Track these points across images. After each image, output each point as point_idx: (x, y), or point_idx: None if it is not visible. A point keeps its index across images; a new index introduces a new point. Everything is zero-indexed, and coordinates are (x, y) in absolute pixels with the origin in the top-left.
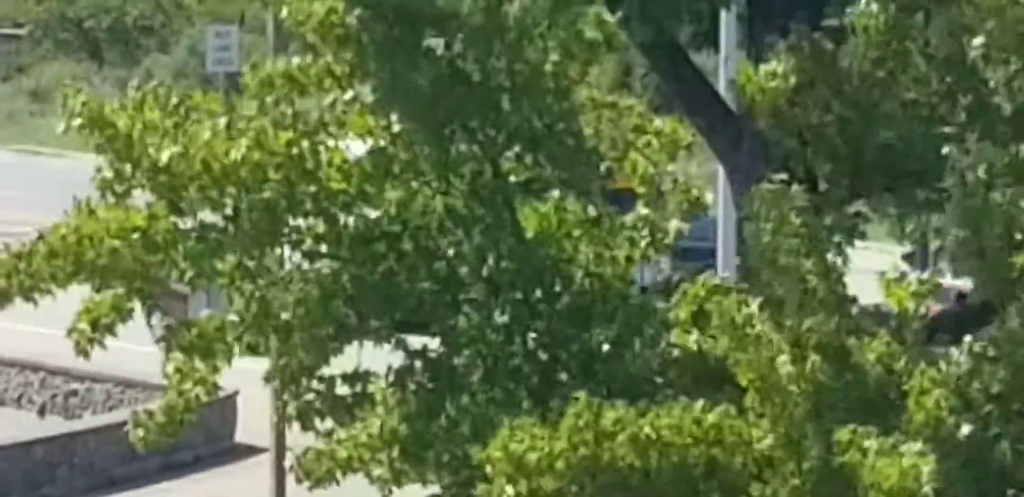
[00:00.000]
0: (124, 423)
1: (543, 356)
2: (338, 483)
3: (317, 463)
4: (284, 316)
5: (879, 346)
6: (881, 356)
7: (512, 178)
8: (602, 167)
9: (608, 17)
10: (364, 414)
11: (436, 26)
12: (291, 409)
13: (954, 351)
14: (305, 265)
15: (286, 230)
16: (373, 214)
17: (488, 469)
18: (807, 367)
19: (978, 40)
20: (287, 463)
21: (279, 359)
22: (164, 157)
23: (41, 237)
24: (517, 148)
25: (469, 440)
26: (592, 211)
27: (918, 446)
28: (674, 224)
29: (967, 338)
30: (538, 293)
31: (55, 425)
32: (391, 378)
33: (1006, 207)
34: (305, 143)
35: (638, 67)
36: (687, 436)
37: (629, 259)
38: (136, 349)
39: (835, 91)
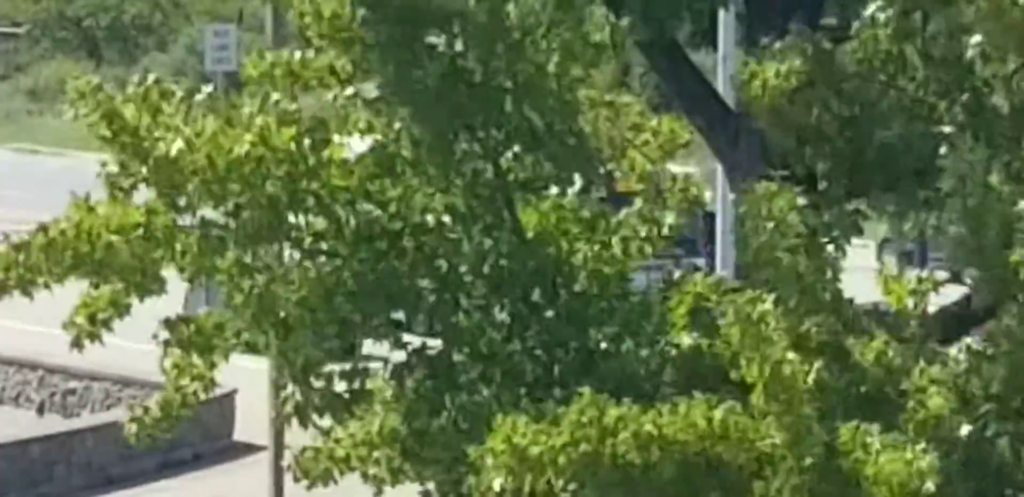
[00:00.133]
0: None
1: (542, 355)
2: (336, 482)
3: (315, 462)
4: (283, 313)
5: (878, 345)
6: (880, 355)
7: (512, 177)
8: (602, 168)
9: (613, 20)
10: (362, 411)
11: (439, 25)
12: (289, 406)
13: (952, 349)
14: (306, 263)
15: (286, 227)
16: (374, 212)
17: (489, 461)
18: (812, 367)
19: (975, 39)
20: (285, 462)
21: (278, 356)
22: (174, 150)
23: (41, 230)
24: (518, 147)
25: (466, 438)
26: (590, 210)
27: (920, 444)
28: (670, 219)
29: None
30: (538, 292)
31: (53, 423)
32: (390, 376)
33: (1004, 206)
34: (307, 140)
35: (637, 66)
36: (692, 432)
37: (627, 256)
38: (134, 347)
39: (834, 90)
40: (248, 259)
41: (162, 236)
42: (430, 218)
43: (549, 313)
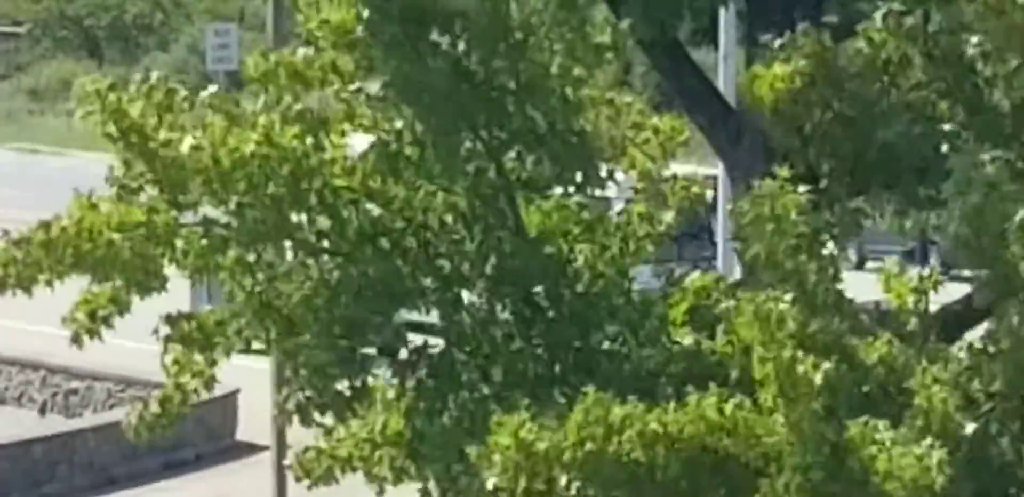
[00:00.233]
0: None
1: (544, 354)
2: (337, 482)
3: (317, 462)
4: (285, 311)
5: (882, 345)
6: (884, 355)
7: (515, 176)
8: (603, 167)
9: (614, 21)
10: (363, 410)
11: (442, 25)
12: (290, 404)
13: (954, 348)
14: (308, 261)
15: (289, 226)
16: (377, 211)
17: (496, 457)
18: (821, 366)
19: (976, 38)
20: (286, 461)
21: (281, 354)
22: (184, 149)
23: (42, 227)
24: (520, 147)
25: (467, 437)
26: (589, 209)
27: (927, 441)
28: (668, 217)
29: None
30: (540, 291)
31: (56, 423)
32: (391, 375)
33: (1006, 204)
34: (310, 139)
35: (638, 64)
36: (702, 424)
37: (626, 255)
38: (137, 347)
39: (836, 89)
40: (251, 257)
41: (163, 234)
42: (433, 217)
43: (551, 313)
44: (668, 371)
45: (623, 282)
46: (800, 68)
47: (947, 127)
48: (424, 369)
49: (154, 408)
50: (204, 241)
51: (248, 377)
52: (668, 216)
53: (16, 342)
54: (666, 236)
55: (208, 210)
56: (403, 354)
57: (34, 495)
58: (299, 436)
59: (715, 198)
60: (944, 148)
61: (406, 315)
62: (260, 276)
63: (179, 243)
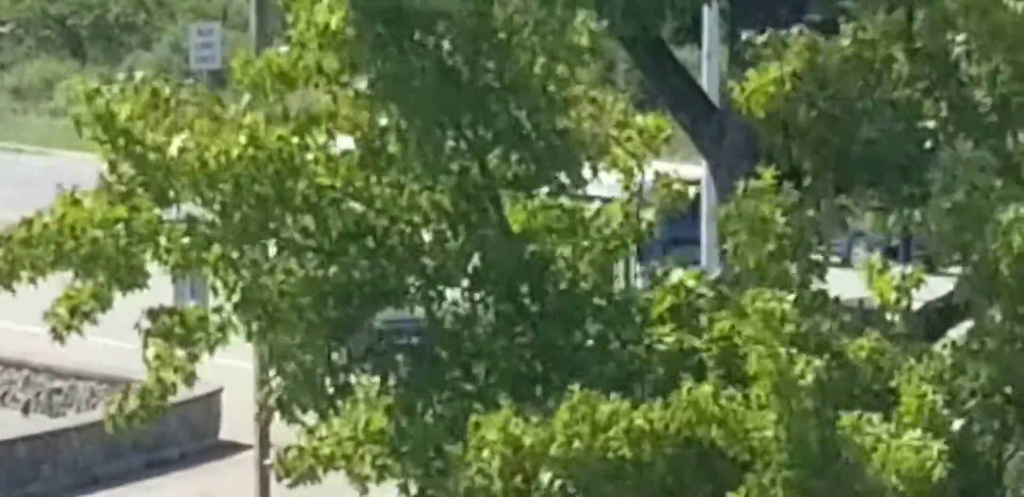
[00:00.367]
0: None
1: (528, 353)
2: (319, 481)
3: (299, 460)
4: (269, 307)
5: (870, 344)
6: (872, 354)
7: (499, 175)
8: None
9: (593, 25)
10: (346, 407)
11: (426, 25)
12: (272, 401)
13: (937, 346)
14: (292, 260)
15: (274, 225)
16: (361, 209)
17: (483, 453)
18: (813, 365)
19: (960, 37)
20: (268, 460)
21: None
22: (173, 151)
23: (24, 224)
24: (504, 146)
25: (448, 435)
26: (575, 208)
27: (917, 434)
28: (649, 216)
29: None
30: (524, 289)
31: (39, 423)
32: (374, 373)
33: (988, 202)
34: (295, 139)
35: (621, 62)
36: (694, 414)
37: (608, 253)
38: (120, 346)
39: (820, 86)
40: (234, 254)
41: (146, 231)
42: (417, 216)
43: (534, 311)
44: (653, 368)
45: (605, 281)
46: (789, 70)
47: (930, 124)
48: (407, 367)
49: (133, 401)
50: (188, 239)
51: (231, 376)
52: (649, 216)
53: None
54: (649, 235)
55: (191, 206)
56: (386, 353)
57: (18, 494)
58: (283, 435)
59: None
60: (927, 145)
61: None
62: (244, 272)
63: (162, 240)
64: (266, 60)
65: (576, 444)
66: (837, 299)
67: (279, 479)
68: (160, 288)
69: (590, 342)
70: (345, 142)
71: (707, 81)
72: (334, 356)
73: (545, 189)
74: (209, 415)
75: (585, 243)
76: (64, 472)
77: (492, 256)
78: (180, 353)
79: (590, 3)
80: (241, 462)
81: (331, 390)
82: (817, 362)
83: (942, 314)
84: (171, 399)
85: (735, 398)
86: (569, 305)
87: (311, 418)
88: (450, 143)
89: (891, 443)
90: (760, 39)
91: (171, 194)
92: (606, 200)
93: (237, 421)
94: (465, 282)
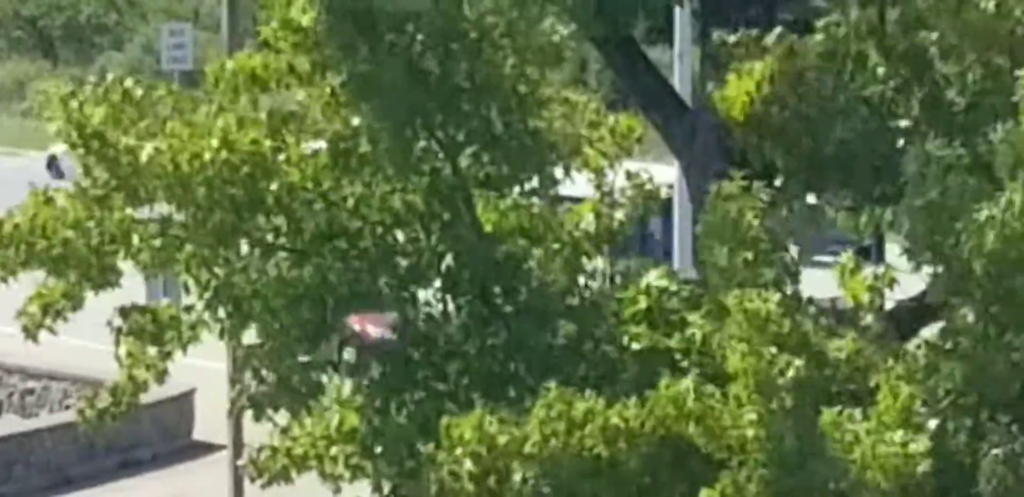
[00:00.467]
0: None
1: (501, 353)
2: (292, 481)
3: (272, 460)
4: (243, 306)
5: (849, 344)
6: (851, 354)
7: (471, 176)
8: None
9: (562, 26)
10: (318, 406)
11: (396, 26)
12: (243, 399)
13: (910, 345)
14: (265, 262)
15: (247, 227)
16: (333, 210)
17: (457, 451)
18: (793, 364)
19: (933, 36)
20: (241, 461)
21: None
22: (144, 156)
23: None
24: (476, 146)
25: (421, 435)
26: (545, 207)
27: (900, 431)
28: (619, 216)
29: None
30: (496, 289)
31: (12, 424)
32: (347, 373)
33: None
34: (268, 142)
35: (593, 62)
36: (670, 410)
37: (580, 253)
38: (94, 347)
39: (793, 86)
40: (207, 253)
41: (118, 231)
42: (389, 216)
43: (507, 310)
44: (627, 368)
45: (577, 280)
46: (768, 73)
47: (903, 123)
48: (379, 367)
49: (105, 398)
50: (161, 240)
51: (204, 377)
52: (619, 215)
53: None
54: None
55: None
56: (358, 353)
57: None
58: (256, 436)
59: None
60: (900, 144)
61: None
62: (217, 271)
63: (135, 239)
64: (238, 62)
65: (552, 442)
66: (811, 299)
67: (252, 479)
68: (133, 287)
69: (563, 342)
70: (320, 143)
71: (679, 81)
72: (307, 356)
73: (517, 189)
74: (182, 416)
75: (555, 246)
76: (37, 473)
77: (465, 256)
78: (152, 351)
79: (561, 3)
80: (214, 463)
81: (303, 389)
82: (797, 361)
83: (914, 313)
84: (144, 400)
85: (714, 395)
86: (541, 305)
87: (284, 418)
88: (421, 143)
89: (873, 439)
90: (733, 39)
91: (144, 196)
92: (578, 200)
93: (210, 422)
94: (438, 282)
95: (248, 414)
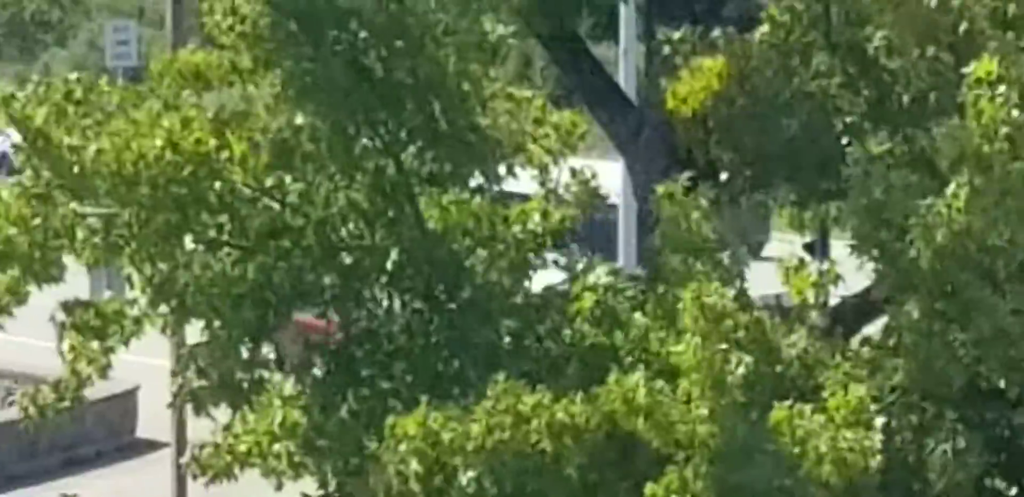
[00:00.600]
0: (24, 418)
1: (445, 351)
2: (235, 478)
3: (215, 458)
4: (188, 300)
5: (799, 341)
6: (802, 352)
7: (414, 173)
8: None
9: (500, 28)
10: (260, 403)
11: (339, 24)
12: (184, 393)
13: (853, 343)
14: (210, 257)
15: (191, 225)
16: (276, 208)
17: (401, 447)
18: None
19: (880, 32)
20: (184, 458)
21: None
22: (87, 156)
23: None
24: (420, 143)
25: (365, 431)
26: (489, 205)
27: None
28: (559, 214)
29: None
30: (440, 287)
31: None
32: (290, 370)
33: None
34: (213, 141)
35: (539, 59)
36: (618, 406)
37: (525, 250)
38: (36, 344)
39: (739, 82)
40: (152, 249)
41: (62, 227)
42: (333, 214)
43: (451, 307)
44: (569, 365)
45: (522, 279)
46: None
47: (848, 119)
48: (323, 365)
49: (47, 392)
50: (104, 238)
51: (148, 374)
52: (559, 214)
53: None
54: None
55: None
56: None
57: None
58: (200, 433)
59: None
60: (845, 141)
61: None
62: (161, 266)
63: (80, 234)
64: (181, 59)
65: (496, 435)
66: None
67: (194, 477)
68: (75, 282)
69: (507, 339)
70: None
71: (624, 77)
72: (249, 354)
73: (460, 186)
74: (126, 413)
75: (500, 247)
76: None
77: (409, 254)
78: (95, 345)
79: (506, 0)
80: (158, 460)
81: (245, 386)
82: (747, 358)
83: (858, 310)
84: (88, 397)
85: (663, 390)
86: (485, 303)
87: (226, 415)
88: (364, 141)
89: (825, 435)
90: (678, 36)
91: (88, 196)
92: (523, 197)
93: (154, 419)
94: (383, 279)
95: (193, 412)
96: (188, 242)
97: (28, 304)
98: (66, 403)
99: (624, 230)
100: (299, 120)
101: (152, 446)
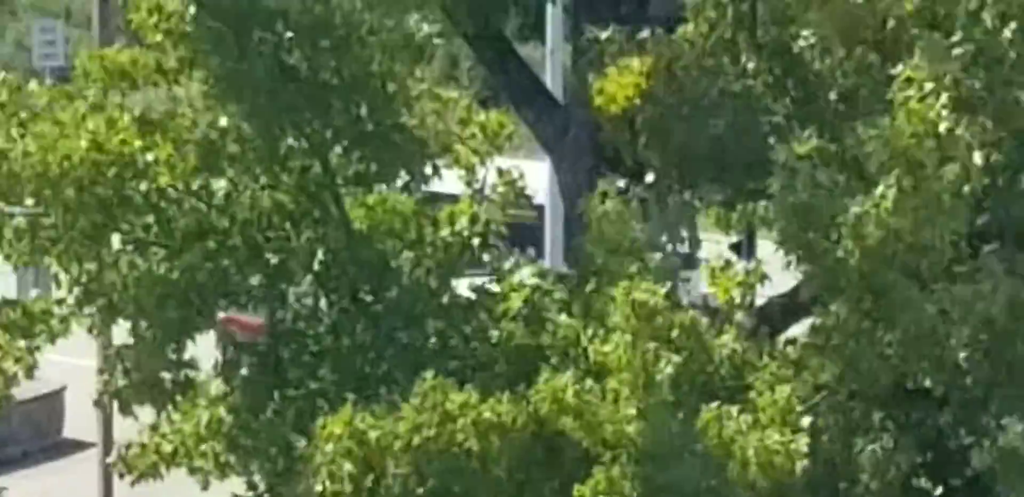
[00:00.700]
0: None
1: (371, 351)
2: (161, 478)
3: (141, 458)
4: (115, 299)
5: (730, 341)
6: (733, 352)
7: (340, 173)
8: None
9: (428, 25)
10: (186, 403)
11: (264, 24)
12: (109, 391)
13: (780, 343)
14: (137, 256)
15: (117, 225)
16: (202, 209)
17: (329, 447)
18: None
19: (805, 31)
20: (110, 458)
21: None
22: (13, 158)
23: None
24: (345, 143)
25: (292, 431)
26: (415, 206)
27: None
28: (486, 215)
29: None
30: (366, 287)
31: None
32: (217, 371)
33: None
34: (138, 142)
35: (465, 59)
36: (547, 406)
37: (452, 251)
38: None
39: (666, 81)
40: (78, 248)
41: None
42: (258, 215)
43: (376, 308)
44: (495, 365)
45: (447, 277)
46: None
47: (775, 119)
48: (250, 366)
49: None
50: (31, 237)
51: (74, 374)
52: (486, 215)
53: None
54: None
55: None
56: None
57: None
58: (126, 433)
59: None
60: (771, 141)
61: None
62: (88, 265)
63: (7, 233)
64: (107, 57)
65: (424, 432)
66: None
67: (121, 476)
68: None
69: (433, 339)
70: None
71: (551, 77)
72: (175, 354)
73: (386, 186)
74: (52, 414)
75: (428, 250)
76: None
77: (335, 255)
78: (21, 344)
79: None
80: (84, 460)
81: (169, 386)
82: (675, 357)
83: (785, 310)
84: (14, 397)
85: (592, 390)
86: (411, 304)
87: (147, 412)
88: (290, 141)
89: (753, 436)
90: (605, 35)
91: (14, 197)
92: (450, 197)
93: (81, 420)
94: (308, 279)
95: (120, 412)
96: (116, 242)
97: None
98: None
99: (551, 229)
100: (224, 121)
101: (79, 446)
